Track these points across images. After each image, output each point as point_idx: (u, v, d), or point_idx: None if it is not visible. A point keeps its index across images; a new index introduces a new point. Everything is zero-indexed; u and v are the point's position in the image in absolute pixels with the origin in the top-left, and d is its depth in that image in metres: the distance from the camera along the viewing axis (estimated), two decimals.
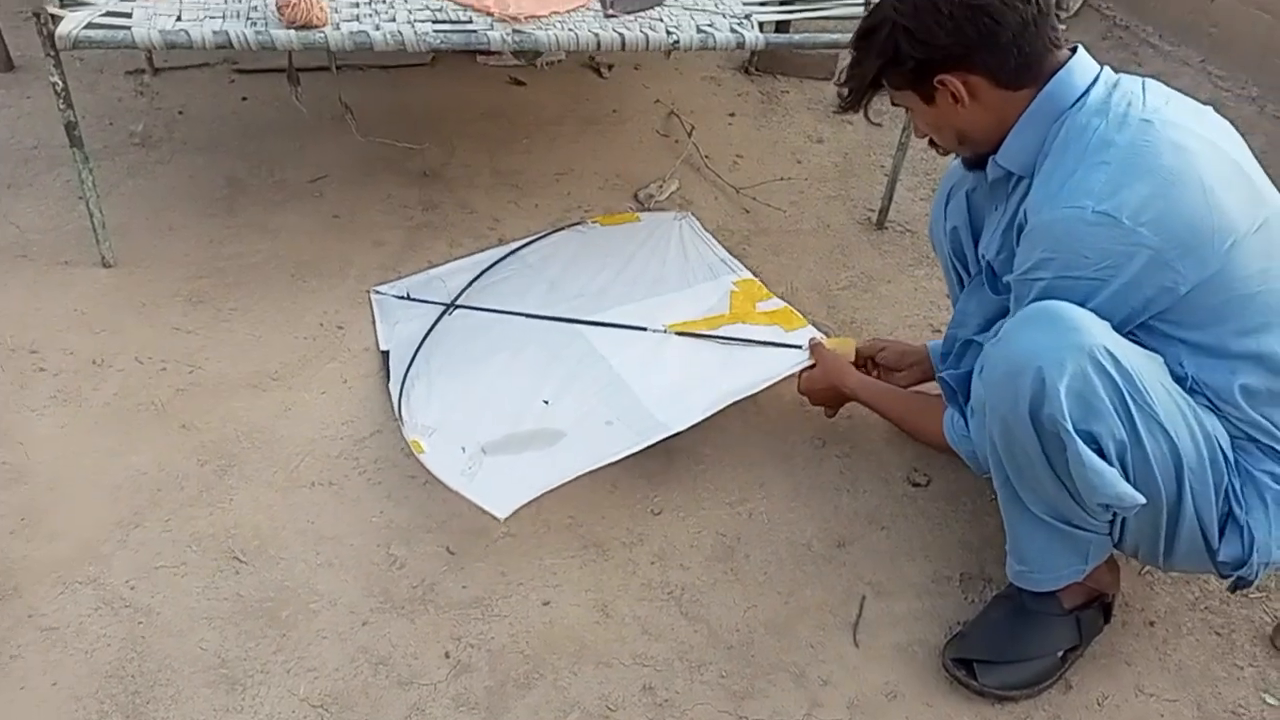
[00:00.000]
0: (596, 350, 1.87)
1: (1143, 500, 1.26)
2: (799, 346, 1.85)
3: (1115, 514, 1.34)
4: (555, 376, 1.82)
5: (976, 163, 1.45)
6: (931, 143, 1.46)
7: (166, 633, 1.44)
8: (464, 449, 1.66)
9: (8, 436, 1.71)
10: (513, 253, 2.21)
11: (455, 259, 2.20)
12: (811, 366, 1.81)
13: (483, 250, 2.24)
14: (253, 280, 2.11)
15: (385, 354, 1.92)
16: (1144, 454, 1.25)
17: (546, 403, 1.76)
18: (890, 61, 1.34)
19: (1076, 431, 1.22)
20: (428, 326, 1.97)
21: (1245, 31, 3.24)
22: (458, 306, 2.03)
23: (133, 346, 1.92)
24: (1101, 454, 1.24)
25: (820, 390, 1.80)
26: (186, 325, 1.98)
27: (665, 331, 1.89)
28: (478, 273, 2.13)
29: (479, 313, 2.01)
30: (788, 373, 1.80)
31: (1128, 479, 1.25)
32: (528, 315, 1.98)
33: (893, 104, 1.43)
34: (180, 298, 2.05)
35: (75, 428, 1.74)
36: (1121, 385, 1.22)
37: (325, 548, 1.58)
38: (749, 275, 2.13)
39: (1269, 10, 3.14)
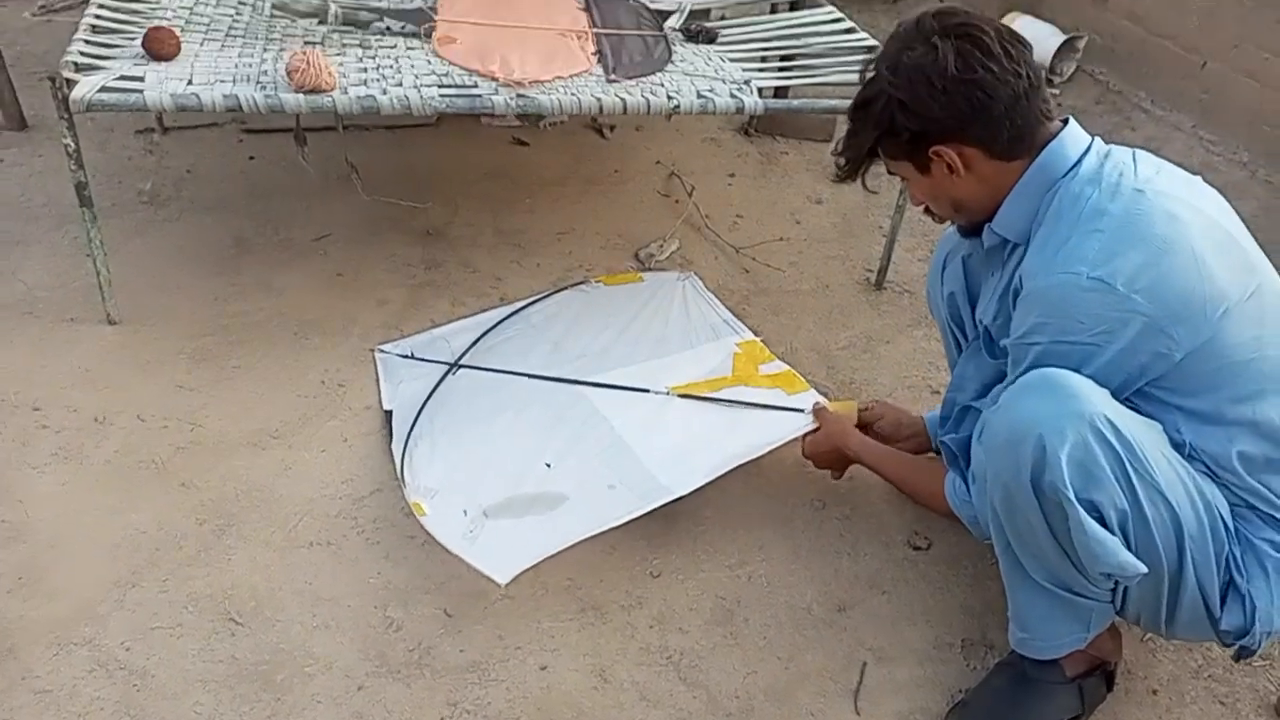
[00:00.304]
0: (599, 412, 1.88)
1: (1144, 569, 1.25)
2: (802, 410, 1.85)
3: (1117, 582, 1.34)
4: (558, 438, 1.83)
5: (972, 230, 1.47)
6: (927, 210, 1.48)
7: (161, 696, 1.43)
8: (465, 512, 1.66)
9: (8, 494, 1.71)
10: (516, 312, 2.23)
11: (458, 318, 2.22)
12: (815, 429, 1.82)
13: (486, 310, 2.26)
14: (256, 338, 2.13)
15: (388, 413, 1.93)
16: (1145, 523, 1.25)
17: (549, 465, 1.76)
18: (886, 132, 1.36)
19: (1078, 500, 1.22)
20: (431, 386, 1.98)
21: (1235, 98, 3.30)
22: (461, 366, 2.04)
23: (135, 404, 1.92)
24: (1103, 522, 1.24)
25: (824, 453, 1.80)
26: (189, 383, 1.99)
27: (668, 394, 1.90)
28: (481, 332, 2.15)
29: (482, 373, 2.02)
30: (791, 436, 1.81)
31: (1129, 548, 1.25)
32: (531, 376, 1.99)
33: (888, 173, 1.45)
34: (184, 355, 2.06)
35: (76, 485, 1.75)
36: (1122, 454, 1.22)
37: (322, 609, 1.58)
38: (751, 337, 2.15)
39: (1258, 78, 3.21)
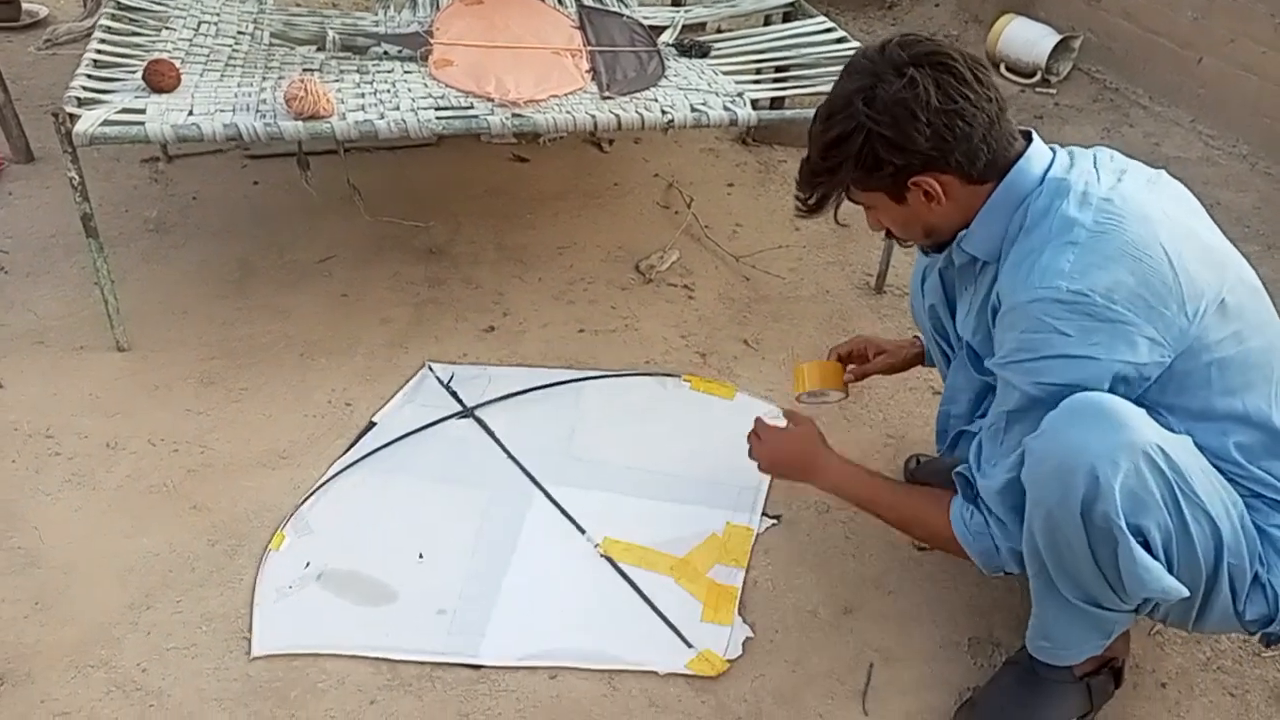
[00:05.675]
0: (519, 529, 1.77)
1: (1186, 593, 1.25)
2: (693, 647, 1.59)
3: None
4: (454, 534, 1.75)
5: (936, 249, 1.47)
6: (889, 234, 1.47)
7: (176, 715, 1.45)
8: (309, 564, 1.67)
9: (23, 521, 1.74)
10: (576, 381, 2.14)
11: (525, 365, 2.18)
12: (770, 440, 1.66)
13: (552, 368, 2.18)
14: (263, 360, 2.16)
15: (371, 424, 1.94)
16: (1189, 541, 1.24)
17: (421, 556, 1.71)
18: (869, 169, 1.33)
19: (1127, 526, 1.21)
20: (429, 421, 1.98)
21: (1233, 92, 3.31)
22: (473, 414, 2.02)
23: (145, 429, 1.95)
24: (1147, 546, 1.23)
25: (785, 462, 1.65)
26: (198, 406, 2.02)
27: (596, 548, 1.74)
28: (521, 389, 2.08)
29: (475, 431, 1.98)
30: (650, 668, 1.56)
31: (1171, 567, 1.25)
32: (509, 454, 1.93)
33: (851, 201, 1.42)
34: (192, 379, 2.09)
35: (89, 511, 1.77)
36: (1171, 479, 1.21)
37: None
38: (749, 524, 1.83)
39: (1255, 72, 3.22)
